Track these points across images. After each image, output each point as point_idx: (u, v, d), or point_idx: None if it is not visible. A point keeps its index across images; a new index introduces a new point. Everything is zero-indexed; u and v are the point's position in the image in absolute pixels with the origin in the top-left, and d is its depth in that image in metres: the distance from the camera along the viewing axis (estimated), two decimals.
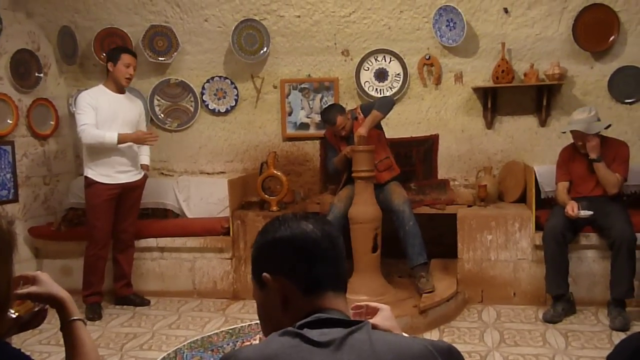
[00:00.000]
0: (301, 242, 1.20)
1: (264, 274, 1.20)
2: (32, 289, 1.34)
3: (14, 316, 1.31)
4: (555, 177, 4.01)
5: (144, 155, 4.31)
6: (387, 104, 4.02)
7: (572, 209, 3.68)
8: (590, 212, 3.65)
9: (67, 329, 1.34)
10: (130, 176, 4.14)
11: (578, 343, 3.33)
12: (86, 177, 4.06)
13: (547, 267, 3.75)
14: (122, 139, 3.96)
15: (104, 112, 3.99)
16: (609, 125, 3.86)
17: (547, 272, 3.76)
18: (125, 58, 4.05)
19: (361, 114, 4.12)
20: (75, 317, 1.35)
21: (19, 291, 1.32)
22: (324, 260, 1.20)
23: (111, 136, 3.93)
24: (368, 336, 1.07)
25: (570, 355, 3.17)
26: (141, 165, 4.26)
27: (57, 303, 1.35)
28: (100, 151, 4.00)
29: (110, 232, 4.16)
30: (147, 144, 4.17)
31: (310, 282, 1.18)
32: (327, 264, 1.20)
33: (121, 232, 4.23)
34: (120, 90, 4.13)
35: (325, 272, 1.20)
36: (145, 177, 4.29)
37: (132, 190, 4.18)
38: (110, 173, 4.04)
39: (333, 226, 1.28)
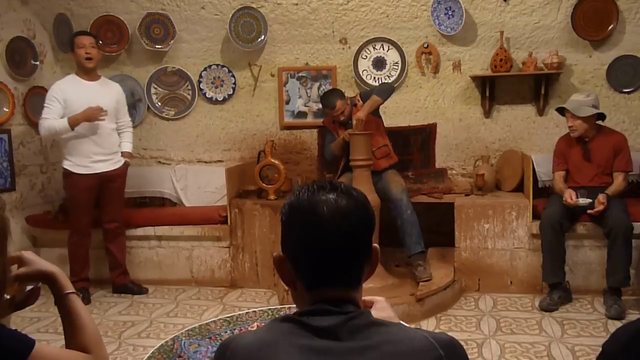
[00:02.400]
0: (310, 239, 1.09)
1: (275, 253, 1.16)
2: (20, 270, 1.32)
3: (7, 297, 1.30)
4: (552, 166, 4.01)
5: (126, 142, 4.26)
6: (386, 90, 4.02)
7: (571, 196, 3.68)
8: (589, 200, 3.66)
9: (62, 302, 1.33)
10: (109, 165, 4.10)
11: (574, 331, 3.35)
12: (64, 168, 4.05)
13: (544, 255, 3.77)
14: (72, 122, 3.88)
15: (75, 103, 3.94)
16: (603, 116, 3.83)
17: (543, 260, 3.77)
18: (78, 40, 4.01)
19: (360, 100, 4.11)
20: (68, 291, 1.33)
21: (17, 273, 1.31)
22: (334, 261, 1.09)
23: (61, 122, 3.89)
24: (367, 324, 1.07)
25: (566, 343, 3.19)
26: (122, 152, 4.22)
27: (48, 279, 1.33)
28: (76, 141, 3.96)
29: (91, 222, 4.15)
30: (98, 120, 3.94)
31: (314, 280, 1.11)
32: (337, 265, 1.09)
33: (107, 222, 4.22)
34: (92, 77, 4.08)
35: (333, 273, 1.10)
36: (125, 165, 4.23)
37: (111, 180, 4.13)
38: (86, 163, 4.01)
39: (358, 211, 1.11)
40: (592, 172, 3.83)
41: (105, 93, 4.12)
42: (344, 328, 1.04)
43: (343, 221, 1.07)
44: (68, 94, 3.96)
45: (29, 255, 1.35)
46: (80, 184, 4.01)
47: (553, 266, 3.73)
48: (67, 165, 4.03)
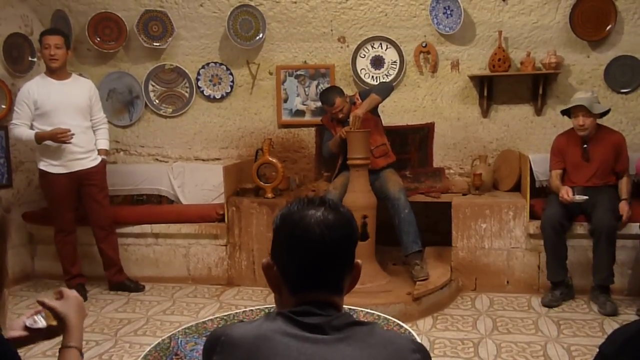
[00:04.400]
0: (297, 246, 1.19)
1: (264, 259, 1.26)
2: (55, 303, 1.39)
3: (43, 323, 1.38)
4: (549, 164, 4.00)
5: (102, 139, 4.21)
6: (385, 89, 4.03)
7: (567, 193, 3.69)
8: (585, 197, 3.66)
9: (62, 353, 1.38)
10: (85, 163, 4.06)
11: (570, 331, 3.36)
12: (39, 169, 4.02)
13: (547, 255, 3.79)
14: (39, 138, 3.85)
15: (47, 103, 3.91)
16: (609, 110, 3.84)
17: (547, 260, 3.80)
18: (44, 40, 3.94)
19: (359, 99, 4.12)
20: (71, 344, 1.38)
21: (47, 301, 1.39)
22: (317, 266, 1.19)
23: (28, 136, 3.87)
24: (350, 323, 1.16)
25: (562, 343, 3.19)
26: (98, 150, 4.18)
27: (64, 325, 1.39)
28: (50, 141, 3.90)
29: (74, 219, 4.14)
30: (65, 143, 3.86)
31: (298, 284, 1.21)
32: (320, 270, 1.19)
33: (95, 222, 4.19)
34: (61, 76, 4.02)
35: (316, 277, 1.20)
36: (103, 163, 4.18)
37: (90, 179, 4.08)
38: (62, 162, 3.97)
39: (343, 225, 1.22)
40: (590, 172, 3.83)
41: (76, 91, 4.06)
42: (330, 326, 1.14)
43: (328, 232, 1.18)
44: (37, 95, 3.90)
45: (69, 293, 1.43)
46: (58, 183, 3.98)
47: (556, 265, 3.76)
48: (43, 165, 3.99)
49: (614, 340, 1.15)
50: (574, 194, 3.69)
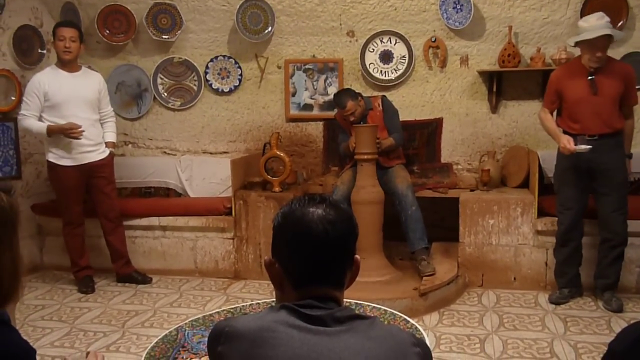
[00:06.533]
0: (300, 241, 1.21)
1: (266, 257, 1.28)
2: None
3: None
4: (543, 102, 3.70)
5: (110, 132, 4.23)
6: (401, 143, 4.23)
7: (569, 142, 3.36)
8: (589, 147, 3.33)
9: None
10: (94, 155, 4.07)
11: (577, 328, 3.35)
12: (48, 161, 4.03)
13: (558, 264, 3.76)
14: (50, 131, 3.87)
15: (57, 95, 3.92)
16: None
17: (557, 268, 3.78)
18: (59, 32, 3.95)
19: (380, 106, 4.12)
20: None
21: None
22: (320, 261, 1.22)
23: (39, 128, 3.88)
24: (351, 316, 1.18)
25: (569, 340, 3.18)
26: (106, 143, 4.19)
27: None
28: (59, 134, 3.93)
29: (82, 211, 4.16)
30: (75, 138, 3.89)
31: (301, 279, 1.23)
32: (323, 265, 1.22)
33: (103, 214, 4.20)
34: (72, 68, 4.04)
35: (319, 272, 1.22)
36: (111, 155, 4.20)
37: (98, 171, 4.10)
38: (70, 155, 3.99)
39: (344, 221, 1.24)
40: (599, 107, 3.39)
41: (86, 84, 4.07)
42: (332, 318, 1.17)
43: (329, 227, 1.21)
44: (47, 86, 3.92)
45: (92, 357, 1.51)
46: (66, 176, 4.00)
47: (567, 273, 3.74)
48: (52, 157, 4.01)
49: (624, 338, 1.15)
50: (575, 144, 3.35)
